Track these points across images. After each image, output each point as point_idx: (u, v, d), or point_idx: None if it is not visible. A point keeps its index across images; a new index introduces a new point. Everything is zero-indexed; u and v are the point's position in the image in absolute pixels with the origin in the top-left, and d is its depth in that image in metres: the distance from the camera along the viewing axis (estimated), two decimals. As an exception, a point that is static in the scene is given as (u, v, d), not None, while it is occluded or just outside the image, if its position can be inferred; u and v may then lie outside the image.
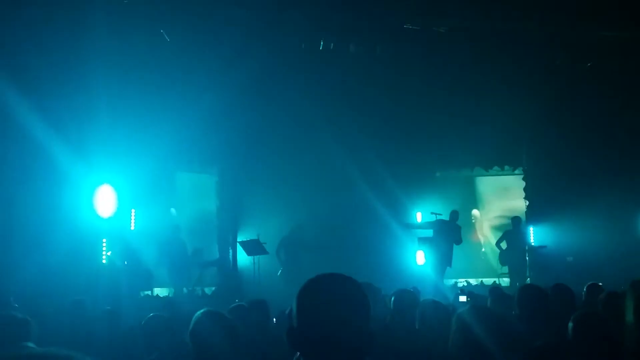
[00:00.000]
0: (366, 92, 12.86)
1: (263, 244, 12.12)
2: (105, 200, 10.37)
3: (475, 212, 16.11)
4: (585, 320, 3.52)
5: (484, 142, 13.11)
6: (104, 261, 10.49)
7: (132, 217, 11.83)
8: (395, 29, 11.86)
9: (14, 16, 8.98)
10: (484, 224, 16.24)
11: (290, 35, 11.94)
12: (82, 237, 9.83)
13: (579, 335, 3.46)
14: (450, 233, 12.24)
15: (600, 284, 6.63)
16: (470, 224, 15.74)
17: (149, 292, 11.16)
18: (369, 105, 12.97)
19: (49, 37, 9.32)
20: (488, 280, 13.35)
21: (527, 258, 13.08)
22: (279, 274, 12.52)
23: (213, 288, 12.46)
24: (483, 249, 15.93)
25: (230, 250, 13.15)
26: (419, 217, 13.58)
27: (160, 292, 11.72)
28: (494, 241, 13.93)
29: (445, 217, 12.50)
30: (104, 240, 10.52)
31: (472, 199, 16.08)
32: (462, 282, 13.10)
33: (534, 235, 13.65)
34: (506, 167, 14.57)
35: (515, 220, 13.07)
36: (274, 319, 5.53)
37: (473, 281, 13.47)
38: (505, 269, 13.06)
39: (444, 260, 12.14)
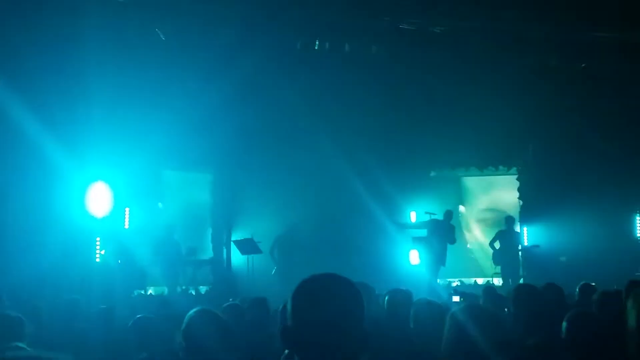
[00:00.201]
0: (361, 91, 12.85)
1: (257, 243, 12.12)
2: (100, 199, 10.34)
3: (461, 208, 16.07)
4: (579, 319, 3.53)
5: (478, 142, 13.15)
6: (97, 260, 10.46)
7: (126, 216, 11.80)
8: (390, 29, 11.86)
9: (6, 12, 8.94)
10: (470, 221, 16.21)
11: (285, 35, 11.93)
12: (76, 235, 9.80)
13: (572, 335, 3.47)
14: (444, 233, 12.27)
15: (594, 283, 6.66)
16: (458, 222, 15.73)
17: (143, 291, 11.14)
18: (364, 105, 12.97)
19: (42, 33, 9.28)
20: (479, 280, 13.41)
21: (520, 258, 13.11)
22: (273, 273, 12.52)
23: (207, 287, 12.46)
24: (469, 245, 15.89)
25: (225, 249, 13.14)
26: (413, 216, 13.60)
27: (154, 291, 11.70)
28: (480, 238, 13.98)
29: (439, 216, 12.53)
30: (98, 239, 10.50)
31: (458, 197, 16.04)
32: (455, 283, 13.14)
33: (527, 235, 13.69)
34: (500, 167, 14.60)
35: (509, 219, 13.10)
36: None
37: (465, 281, 13.51)
38: (499, 269, 13.09)
39: (438, 260, 12.17)
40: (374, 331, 1.85)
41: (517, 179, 14.30)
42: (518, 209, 14.16)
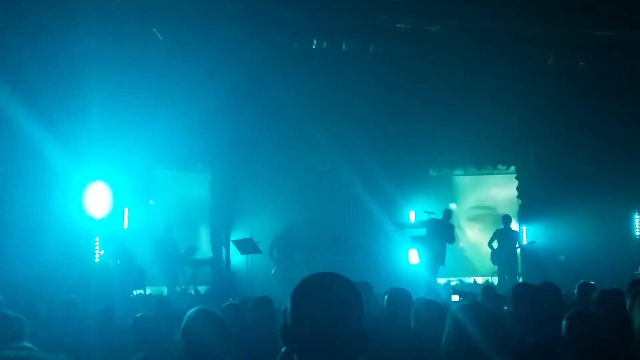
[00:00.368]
0: (359, 90, 12.84)
1: (256, 243, 12.11)
2: (99, 199, 10.33)
3: (452, 205, 16.01)
4: (579, 318, 3.53)
5: (477, 141, 13.15)
6: (96, 260, 10.45)
7: (125, 216, 11.78)
8: (388, 28, 11.86)
9: (3, 11, 8.91)
10: (460, 219, 16.18)
11: (283, 34, 11.93)
12: (75, 235, 9.79)
13: (572, 333, 3.47)
14: (443, 232, 12.28)
15: (593, 282, 6.66)
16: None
17: (142, 291, 11.13)
18: (362, 103, 12.97)
19: (40, 31, 9.25)
20: (477, 279, 13.42)
21: (517, 256, 13.10)
22: (272, 272, 12.51)
23: (206, 287, 12.45)
24: (461, 244, 15.85)
25: (224, 249, 13.13)
26: (412, 215, 13.60)
27: (153, 291, 11.69)
28: (471, 237, 13.98)
29: (438, 216, 12.54)
30: (97, 239, 10.48)
31: (450, 196, 15.97)
32: (453, 282, 13.15)
33: (526, 234, 13.70)
34: (499, 166, 14.61)
35: (506, 218, 13.11)
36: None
37: (459, 280, 13.53)
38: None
39: (437, 259, 12.17)
40: (373, 330, 1.85)
41: (516, 178, 14.31)
42: (510, 207, 14.16)
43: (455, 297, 7.72)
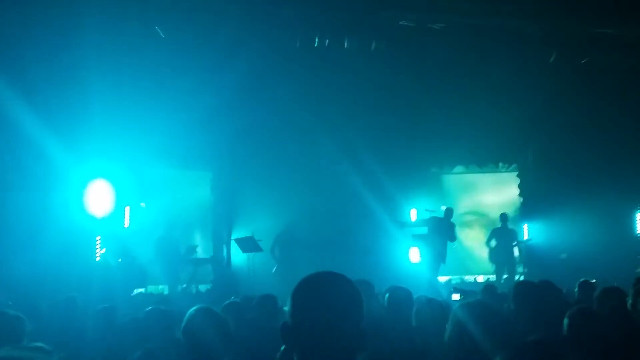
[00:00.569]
0: (361, 88, 12.83)
1: (258, 242, 12.10)
2: (100, 198, 10.33)
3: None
4: (580, 316, 3.52)
5: (479, 139, 13.13)
6: (97, 259, 10.45)
7: (126, 215, 11.78)
8: (390, 25, 11.84)
9: (4, 5, 8.89)
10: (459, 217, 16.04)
11: (285, 32, 11.91)
12: (76, 234, 9.79)
13: (573, 331, 3.46)
14: (445, 230, 12.27)
15: (594, 280, 6.66)
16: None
17: (143, 290, 11.13)
18: (364, 101, 12.96)
19: (41, 27, 9.23)
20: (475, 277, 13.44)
21: (514, 254, 13.08)
22: (273, 271, 12.51)
23: (208, 286, 12.44)
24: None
25: (225, 248, 13.13)
26: (413, 214, 13.59)
27: (154, 289, 11.69)
28: (464, 236, 13.97)
29: (439, 214, 12.53)
30: (98, 237, 10.48)
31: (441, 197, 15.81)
32: (455, 279, 13.15)
33: (528, 232, 13.70)
34: (501, 164, 14.59)
35: (503, 216, 13.12)
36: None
37: (455, 278, 13.52)
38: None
39: (438, 258, 12.17)
40: (374, 329, 1.85)
41: (517, 176, 14.30)
42: (510, 206, 14.14)
43: (456, 296, 7.70)
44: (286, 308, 1.82)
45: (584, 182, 12.91)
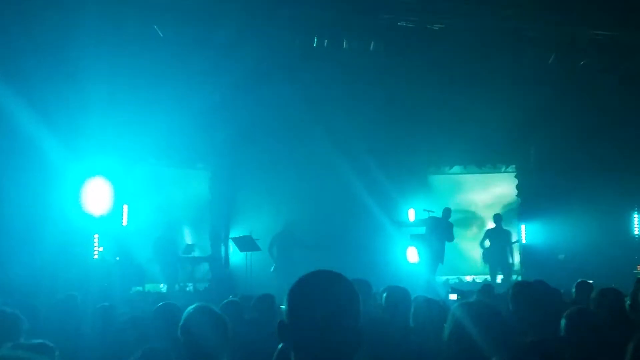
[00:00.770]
0: (360, 89, 12.83)
1: (256, 241, 12.11)
2: (99, 196, 10.32)
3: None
4: (578, 317, 3.53)
5: (477, 140, 13.14)
6: (95, 257, 10.44)
7: (125, 213, 11.77)
8: (389, 26, 11.83)
9: (2, 4, 8.88)
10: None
11: (284, 32, 11.90)
12: (74, 232, 9.78)
13: (571, 332, 3.47)
14: (443, 230, 12.29)
15: (591, 281, 6.66)
16: None
17: (141, 288, 11.13)
18: (363, 102, 12.96)
19: (39, 27, 9.21)
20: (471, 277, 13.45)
21: (508, 255, 13.10)
22: (271, 270, 12.51)
23: (206, 284, 12.45)
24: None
25: (223, 247, 13.13)
26: (411, 214, 13.60)
27: (152, 288, 11.69)
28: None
29: (437, 214, 12.53)
30: (96, 236, 10.47)
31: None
32: (452, 280, 13.17)
33: (525, 232, 13.72)
34: (498, 165, 14.60)
35: (496, 217, 13.15)
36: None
37: (452, 279, 13.54)
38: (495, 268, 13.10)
39: (436, 257, 12.19)
40: (372, 328, 1.86)
41: (516, 177, 14.31)
42: (495, 207, 14.18)
43: (453, 296, 7.71)
44: (283, 307, 1.83)
45: (581, 183, 12.93)
